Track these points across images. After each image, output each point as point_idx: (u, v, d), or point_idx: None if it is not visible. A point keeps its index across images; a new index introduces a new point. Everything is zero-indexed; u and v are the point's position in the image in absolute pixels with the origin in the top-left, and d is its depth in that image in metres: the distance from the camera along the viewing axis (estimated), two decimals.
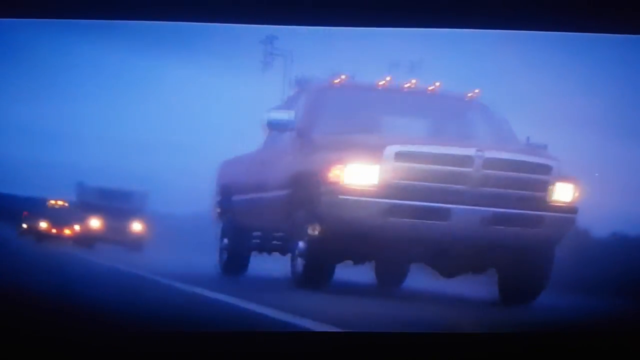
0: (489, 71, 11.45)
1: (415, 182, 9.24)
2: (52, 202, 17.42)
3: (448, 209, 9.22)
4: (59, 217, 17.33)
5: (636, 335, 7.41)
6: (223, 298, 8.98)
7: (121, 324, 7.06)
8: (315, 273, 9.74)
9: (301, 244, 9.82)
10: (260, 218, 11.03)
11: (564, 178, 9.50)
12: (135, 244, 16.69)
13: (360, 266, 10.55)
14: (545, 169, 9.48)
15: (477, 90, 10.61)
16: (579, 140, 11.38)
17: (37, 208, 17.20)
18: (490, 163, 9.32)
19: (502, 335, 7.47)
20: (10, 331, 6.68)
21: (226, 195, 11.88)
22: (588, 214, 9.89)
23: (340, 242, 9.43)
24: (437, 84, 10.52)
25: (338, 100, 10.46)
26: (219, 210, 12.04)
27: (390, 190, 9.22)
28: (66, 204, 17.36)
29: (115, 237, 16.68)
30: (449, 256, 9.57)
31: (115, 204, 16.88)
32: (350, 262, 10.18)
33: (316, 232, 9.57)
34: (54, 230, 17.30)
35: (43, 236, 17.16)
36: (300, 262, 9.83)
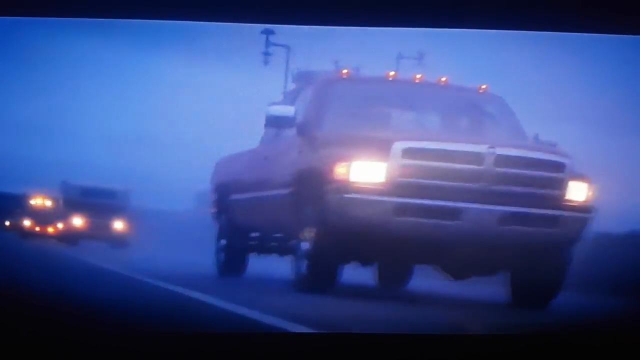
0: (490, 69, 11.14)
1: (425, 180, 8.86)
2: (35, 199, 17.21)
3: (459, 208, 8.85)
4: (42, 215, 17.24)
5: None
6: (213, 301, 8.64)
7: (106, 322, 6.92)
8: (319, 275, 9.35)
9: (304, 245, 9.43)
10: (260, 218, 10.63)
11: (577, 176, 9.16)
12: (119, 241, 16.90)
13: (358, 266, 10.13)
14: (559, 167, 9.14)
15: (485, 86, 10.22)
16: (581, 138, 11.11)
17: (20, 205, 17.06)
18: (502, 160, 8.95)
19: (517, 336, 7.28)
20: None
21: (223, 195, 11.49)
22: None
23: (346, 242, 9.05)
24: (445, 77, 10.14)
25: (345, 93, 10.05)
26: (214, 209, 11.61)
27: (398, 188, 8.83)
28: (49, 202, 17.25)
29: (99, 234, 16.87)
30: (459, 257, 9.17)
31: (98, 202, 17.00)
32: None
33: (312, 235, 9.15)
34: (37, 228, 17.12)
35: (26, 233, 16.94)
36: (303, 263, 9.43)
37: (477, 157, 8.90)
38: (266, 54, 10.77)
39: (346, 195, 8.87)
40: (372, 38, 9.14)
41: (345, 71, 10.06)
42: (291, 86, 10.83)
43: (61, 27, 9.02)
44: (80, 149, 13.74)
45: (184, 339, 6.62)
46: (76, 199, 17.10)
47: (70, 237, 16.88)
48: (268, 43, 10.90)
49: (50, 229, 17.17)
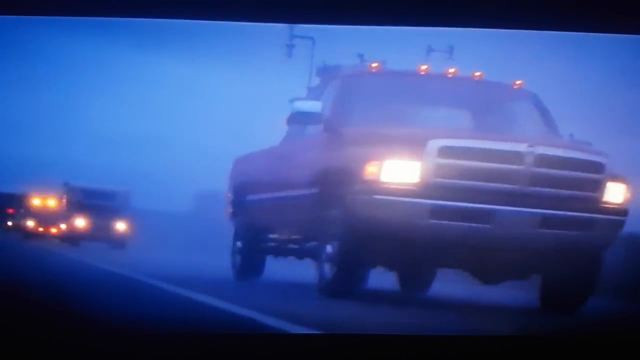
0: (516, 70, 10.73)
1: (461, 181, 8.43)
2: (38, 200, 17.13)
3: (494, 211, 8.43)
4: (45, 216, 17.47)
5: None
6: (216, 303, 8.38)
7: (106, 323, 6.84)
8: (345, 280, 8.90)
9: (330, 248, 8.98)
10: (281, 219, 10.17)
11: (615, 177, 8.76)
12: (119, 242, 17.08)
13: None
14: (598, 167, 8.73)
15: (520, 82, 9.77)
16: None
17: (22, 205, 17.05)
18: (542, 160, 8.53)
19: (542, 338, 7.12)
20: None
21: (240, 195, 11.00)
22: None
23: (375, 246, 8.60)
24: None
25: (374, 88, 9.57)
26: (231, 210, 11.13)
27: (432, 189, 8.40)
28: (52, 203, 17.28)
29: (100, 235, 17.07)
30: (491, 261, 8.75)
31: (100, 203, 17.17)
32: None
33: (339, 238, 8.74)
34: (40, 229, 17.17)
35: (29, 234, 17.13)
36: (328, 267, 8.99)
37: (516, 157, 8.47)
38: (290, 46, 10.29)
39: (377, 197, 8.43)
40: (397, 32, 8.80)
41: (374, 65, 9.58)
42: (315, 81, 10.34)
43: (61, 26, 8.92)
44: (80, 148, 13.65)
45: (184, 340, 6.52)
46: (78, 200, 17.21)
47: (72, 238, 17.01)
48: (291, 35, 10.42)
49: (53, 230, 17.32)
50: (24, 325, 6.57)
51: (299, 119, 9.57)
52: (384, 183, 8.42)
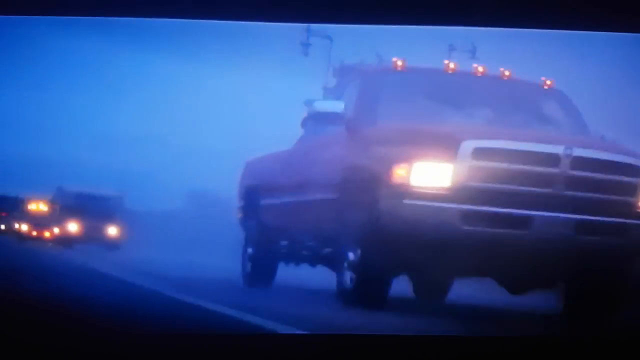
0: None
1: (496, 185, 7.96)
2: (32, 204, 17.16)
3: (530, 217, 7.98)
4: (39, 220, 17.32)
5: None
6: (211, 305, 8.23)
7: (100, 325, 6.79)
8: (368, 289, 8.44)
9: (352, 255, 8.52)
10: (298, 224, 9.68)
11: None
12: (112, 244, 17.07)
13: None
14: (636, 171, 8.31)
15: (550, 81, 9.35)
16: None
17: (15, 208, 16.87)
18: (579, 162, 8.10)
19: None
20: None
21: (252, 199, 10.50)
22: None
23: (401, 253, 8.13)
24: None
25: (400, 86, 9.09)
26: (241, 215, 10.65)
27: (465, 193, 7.94)
28: (46, 207, 17.21)
29: (93, 238, 17.10)
30: (522, 270, 8.30)
31: (93, 207, 17.27)
32: None
33: (362, 244, 8.33)
34: (34, 233, 17.19)
35: (24, 237, 17.07)
36: (350, 275, 8.53)
37: (553, 159, 8.05)
38: (305, 44, 9.85)
39: (406, 202, 7.97)
40: (416, 30, 8.48)
41: (400, 62, 9.12)
42: (332, 81, 9.90)
43: (61, 26, 8.75)
44: (73, 149, 13.59)
45: (182, 341, 6.49)
46: (71, 204, 17.18)
47: (66, 241, 16.99)
48: (308, 34, 9.99)
49: (47, 233, 17.15)
50: (16, 326, 6.50)
51: (319, 119, 9.11)
52: (414, 187, 7.97)
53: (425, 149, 8.05)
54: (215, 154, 11.38)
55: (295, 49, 10.52)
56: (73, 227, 16.95)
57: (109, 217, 16.90)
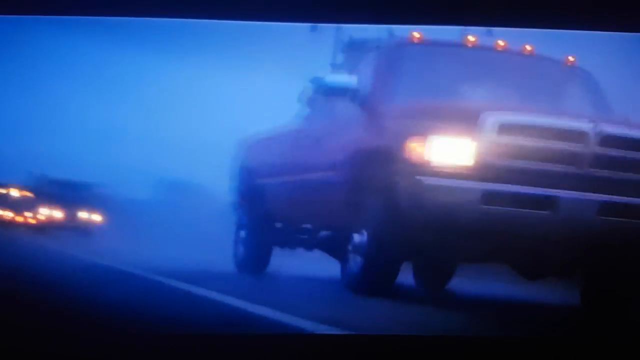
0: None
1: (521, 162, 7.48)
2: (13, 190, 17.00)
3: (556, 197, 7.48)
4: (19, 206, 16.93)
5: None
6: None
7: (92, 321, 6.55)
8: (378, 274, 7.94)
9: (359, 238, 8.02)
10: (299, 206, 9.16)
11: None
12: (92, 230, 16.67)
13: None
14: None
15: (572, 58, 8.84)
16: None
17: None
18: (607, 140, 7.61)
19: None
20: None
21: (248, 180, 9.99)
22: None
23: (417, 236, 7.59)
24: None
25: (418, 60, 8.58)
26: (235, 197, 10.12)
27: (488, 171, 7.43)
28: (27, 194, 17.03)
29: (74, 225, 16.71)
30: (542, 254, 7.80)
31: (74, 194, 16.90)
32: None
33: (374, 226, 7.80)
34: (16, 219, 16.78)
35: (4, 224, 16.61)
36: (358, 260, 8.02)
37: (580, 136, 7.55)
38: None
39: (425, 180, 7.43)
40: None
41: (417, 35, 8.58)
42: (341, 57, 9.37)
43: (61, 26, 8.51)
44: (57, 141, 13.10)
45: (181, 339, 6.34)
46: (52, 191, 16.85)
47: (47, 228, 16.60)
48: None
49: (29, 220, 16.79)
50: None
51: (331, 95, 8.58)
52: (432, 164, 7.47)
53: (445, 123, 7.55)
54: (215, 151, 10.96)
55: (295, 49, 10.15)
56: (54, 213, 16.52)
57: (90, 203, 16.45)
